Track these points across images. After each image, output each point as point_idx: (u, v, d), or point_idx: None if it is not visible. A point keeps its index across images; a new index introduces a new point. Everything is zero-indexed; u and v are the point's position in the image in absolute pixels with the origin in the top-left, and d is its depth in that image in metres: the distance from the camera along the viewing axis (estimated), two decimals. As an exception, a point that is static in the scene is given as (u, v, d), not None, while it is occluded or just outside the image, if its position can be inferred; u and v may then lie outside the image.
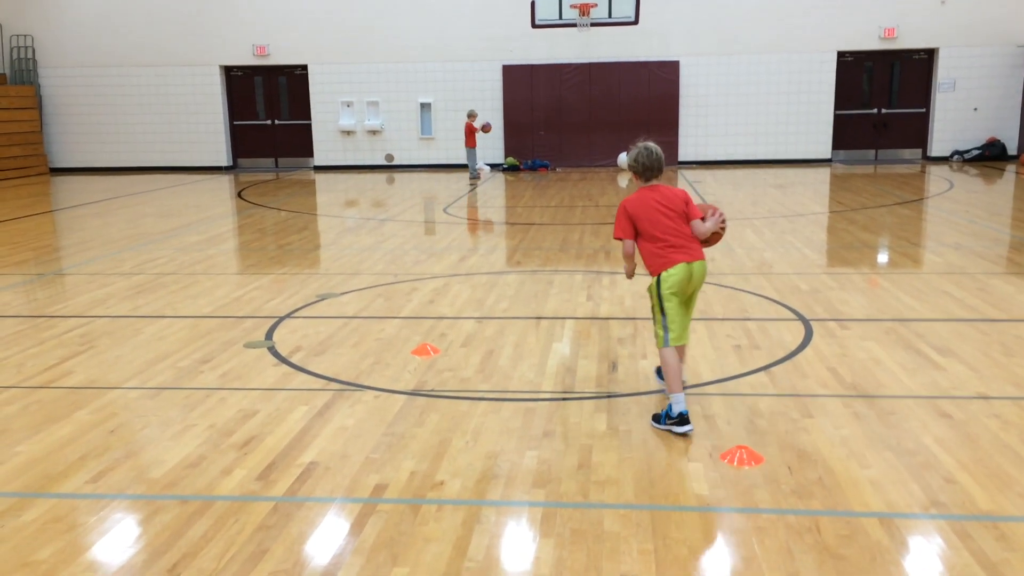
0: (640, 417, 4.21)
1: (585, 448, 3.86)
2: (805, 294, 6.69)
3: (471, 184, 16.26)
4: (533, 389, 4.68)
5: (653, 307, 4.20)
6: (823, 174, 16.93)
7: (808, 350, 5.25)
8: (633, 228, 4.17)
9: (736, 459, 3.68)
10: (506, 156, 19.16)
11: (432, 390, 4.67)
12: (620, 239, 4.21)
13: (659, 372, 4.57)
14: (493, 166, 18.90)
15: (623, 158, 18.51)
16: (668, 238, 4.10)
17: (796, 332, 5.65)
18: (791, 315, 6.10)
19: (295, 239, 10.11)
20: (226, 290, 7.24)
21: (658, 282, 4.12)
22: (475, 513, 3.28)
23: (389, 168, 19.64)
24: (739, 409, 4.30)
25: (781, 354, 5.18)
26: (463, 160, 18.67)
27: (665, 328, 4.11)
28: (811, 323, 5.85)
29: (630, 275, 4.43)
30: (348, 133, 19.73)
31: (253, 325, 6.06)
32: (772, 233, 9.70)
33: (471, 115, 17.21)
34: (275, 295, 7.00)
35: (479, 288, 7.15)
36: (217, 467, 3.73)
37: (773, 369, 4.91)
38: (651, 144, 4.21)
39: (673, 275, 4.09)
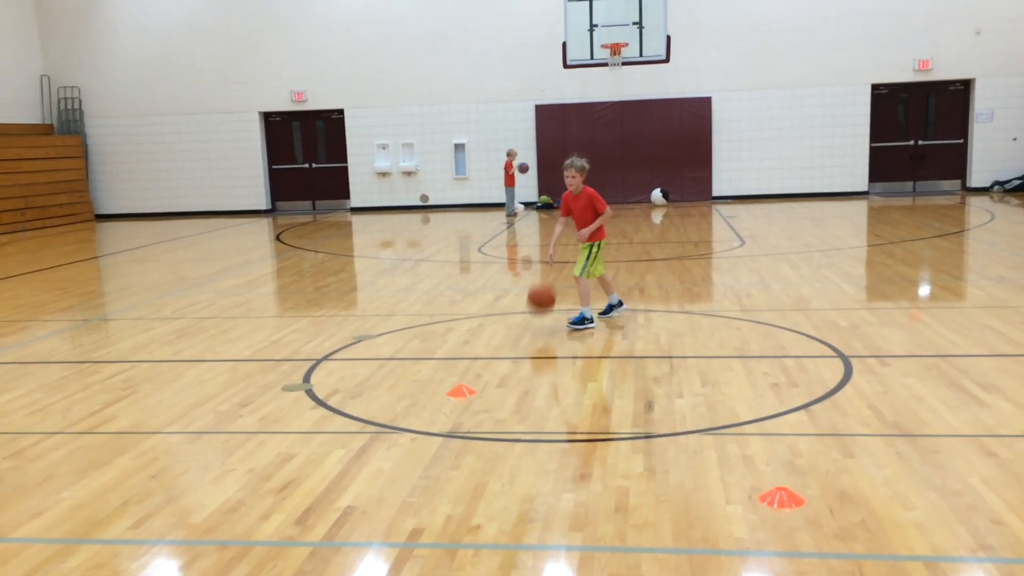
0: (677, 458, 4.17)
1: (622, 490, 3.83)
2: (844, 330, 6.61)
3: (507, 222, 16.37)
4: (569, 430, 4.66)
5: (592, 256, 7.05)
6: (860, 207, 16.77)
7: (848, 388, 5.17)
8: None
9: (776, 501, 3.63)
10: (540, 195, 19.29)
11: (468, 432, 4.68)
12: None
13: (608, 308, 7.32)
14: (527, 204, 19.02)
15: (657, 195, 18.53)
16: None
17: (835, 369, 5.57)
18: (830, 352, 6.02)
19: (332, 281, 10.24)
20: (264, 333, 7.34)
21: (601, 244, 7.15)
22: (512, 558, 3.26)
23: (424, 208, 19.86)
24: (778, 449, 4.24)
25: (820, 392, 5.11)
26: (497, 199, 18.84)
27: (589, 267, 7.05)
28: (851, 360, 5.77)
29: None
30: (384, 175, 20.02)
31: (291, 368, 6.14)
32: (808, 268, 9.61)
33: (510, 154, 17.40)
34: (312, 337, 7.08)
35: (514, 328, 7.17)
36: (256, 512, 3.76)
37: (812, 408, 4.84)
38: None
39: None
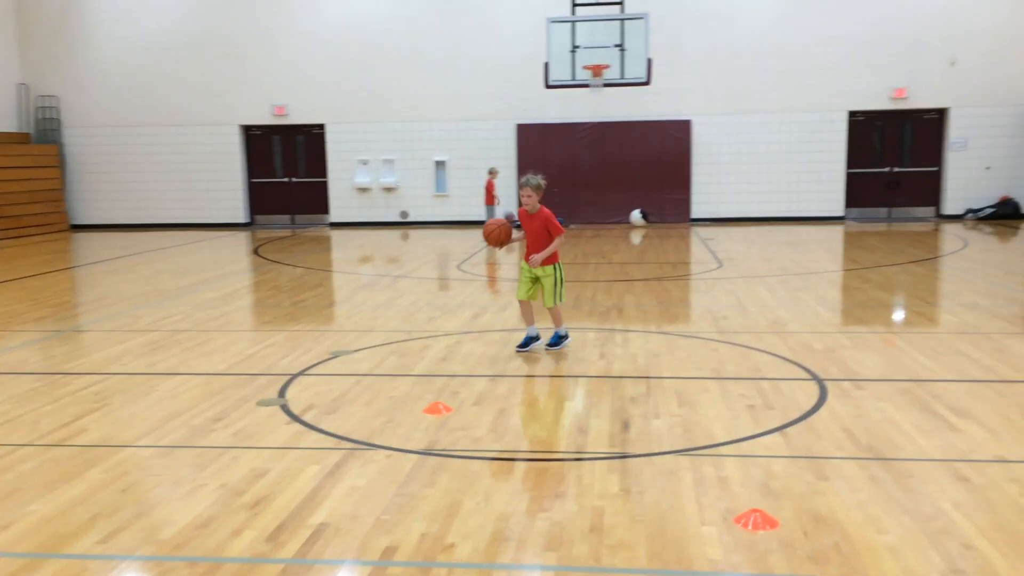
0: (653, 479, 4.17)
1: (597, 510, 3.82)
2: (819, 353, 6.66)
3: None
4: (545, 449, 4.65)
5: (559, 281, 6.80)
6: (836, 232, 16.96)
7: (823, 411, 5.21)
8: None
9: (751, 523, 3.64)
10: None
11: (444, 450, 4.66)
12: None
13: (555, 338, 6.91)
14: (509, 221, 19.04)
15: (636, 215, 18.63)
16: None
17: (810, 392, 5.61)
18: (805, 374, 6.06)
19: (310, 296, 10.19)
20: (240, 347, 7.28)
21: (562, 267, 6.91)
22: (486, 577, 3.24)
23: (404, 225, 19.84)
24: (753, 471, 4.26)
25: (795, 415, 5.14)
26: (477, 217, 18.84)
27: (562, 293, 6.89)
28: (825, 383, 5.81)
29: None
30: (364, 190, 19.99)
31: (267, 382, 6.08)
32: (785, 291, 9.69)
33: (492, 172, 17.43)
34: (289, 352, 7.03)
35: (492, 345, 7.16)
36: (227, 528, 3.71)
37: (787, 430, 4.87)
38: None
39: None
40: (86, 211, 20.53)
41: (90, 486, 4.20)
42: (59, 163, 19.83)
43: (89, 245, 16.84)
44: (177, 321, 8.50)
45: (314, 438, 4.89)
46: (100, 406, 5.58)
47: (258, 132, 20.35)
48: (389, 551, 3.47)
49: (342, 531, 3.67)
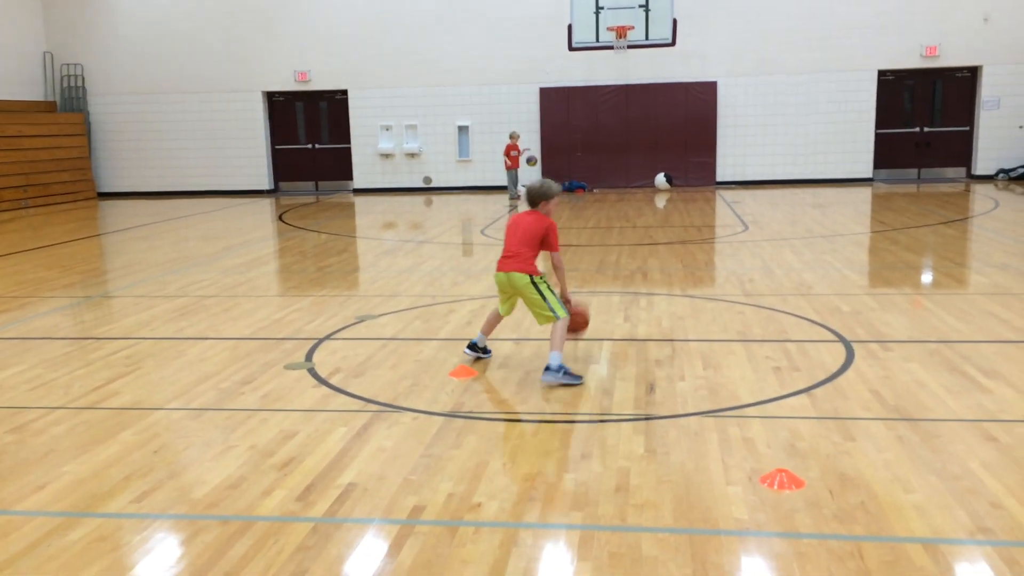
0: (679, 440, 4.18)
1: (623, 471, 3.84)
2: (846, 315, 6.60)
3: (510, 205, 16.35)
4: (571, 411, 4.67)
5: (544, 294, 5.29)
6: (864, 194, 16.72)
7: (850, 372, 5.17)
8: None
9: (776, 483, 3.64)
10: (544, 176, 19.21)
11: (470, 412, 4.69)
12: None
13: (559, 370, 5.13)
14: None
15: (660, 179, 18.48)
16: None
17: (837, 354, 5.57)
18: (832, 336, 6.02)
19: (334, 261, 10.24)
20: (267, 312, 7.35)
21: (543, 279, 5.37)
22: (512, 536, 3.28)
23: (427, 190, 19.82)
24: (779, 432, 4.25)
25: (822, 376, 5.11)
26: (500, 182, 18.78)
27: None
28: (852, 345, 5.77)
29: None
30: (387, 156, 19.97)
31: (293, 347, 6.14)
32: (811, 253, 9.59)
33: (513, 136, 17.33)
34: (315, 317, 7.08)
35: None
36: (258, 488, 3.77)
37: (814, 391, 4.85)
38: (541, 182, 5.60)
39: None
40: (113, 179, 20.70)
41: (123, 447, 4.28)
42: (85, 131, 19.97)
43: (116, 212, 17.00)
44: (204, 287, 8.58)
45: (341, 401, 4.94)
46: (131, 370, 5.67)
47: (281, 98, 20.33)
48: (416, 510, 3.52)
49: (370, 491, 3.71)
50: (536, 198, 5.52)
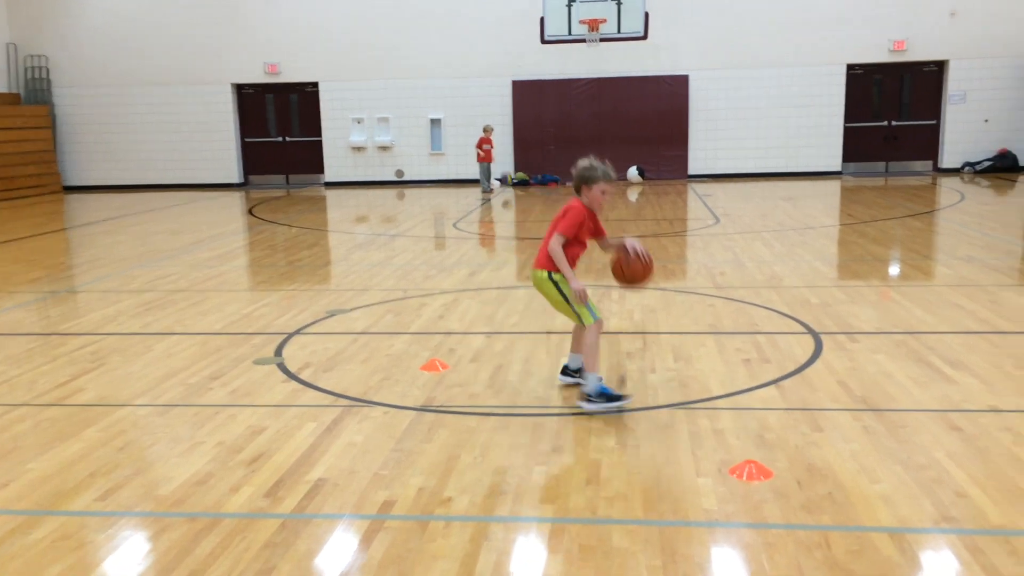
0: (649, 432, 4.19)
1: (594, 463, 3.85)
2: (815, 307, 6.66)
3: (483, 198, 16.31)
4: (542, 404, 4.67)
5: (564, 293, 4.61)
6: (833, 187, 16.89)
7: (818, 363, 5.22)
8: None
9: (745, 474, 3.66)
10: (516, 171, 19.21)
11: (441, 406, 4.67)
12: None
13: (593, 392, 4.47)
14: (503, 181, 18.93)
15: (633, 172, 18.53)
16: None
17: (806, 345, 5.62)
18: (801, 328, 6.07)
19: (305, 255, 10.16)
20: (236, 307, 7.27)
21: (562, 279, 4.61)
22: (483, 529, 3.27)
23: (399, 184, 19.73)
24: (748, 423, 4.28)
25: (791, 368, 5.16)
26: (473, 175, 18.73)
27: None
28: (821, 336, 5.82)
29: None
30: (358, 149, 19.84)
31: (263, 341, 6.08)
32: (782, 246, 9.67)
33: (486, 130, 17.29)
34: (285, 311, 7.02)
35: (489, 303, 7.16)
36: (225, 484, 3.73)
37: (783, 383, 4.89)
38: (586, 162, 4.63)
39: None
40: (79, 172, 20.37)
41: (88, 444, 4.22)
42: (51, 124, 19.63)
43: (82, 206, 16.74)
44: (172, 281, 8.48)
45: (311, 396, 4.90)
46: (96, 366, 5.59)
47: (251, 91, 20.12)
48: (387, 505, 3.50)
49: (340, 486, 3.69)
50: (576, 182, 4.59)
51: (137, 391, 5.05)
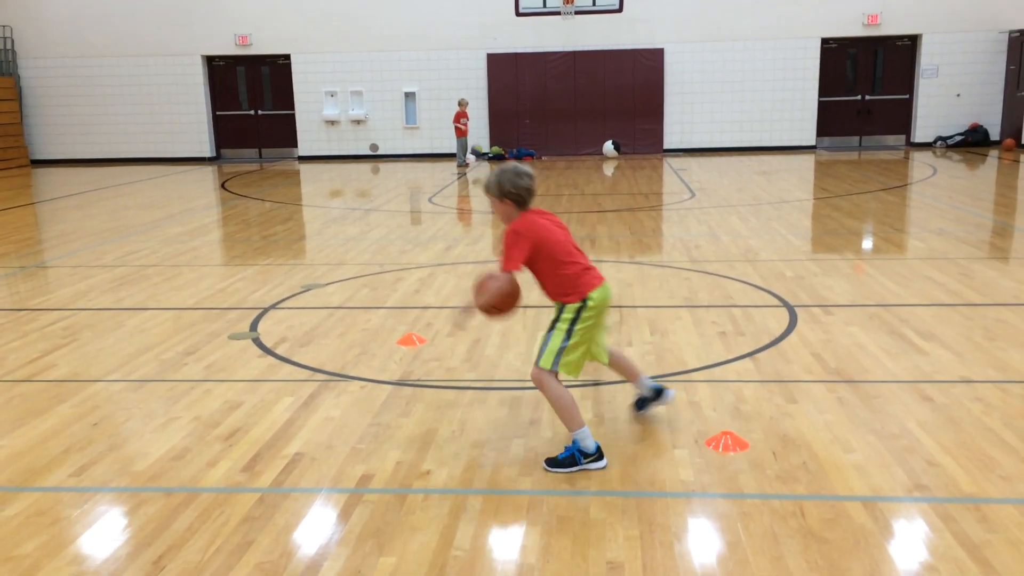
0: (625, 405, 4.22)
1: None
2: (790, 280, 6.72)
3: (458, 172, 16.23)
4: (520, 378, 4.67)
5: (560, 328, 3.60)
6: (808, 161, 16.98)
7: (793, 336, 5.27)
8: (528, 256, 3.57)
9: (721, 445, 3.70)
10: (491, 145, 19.12)
11: (418, 380, 4.67)
12: (512, 270, 3.58)
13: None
14: (478, 155, 18.83)
15: (608, 147, 18.50)
16: (582, 260, 3.72)
17: (781, 318, 5.67)
18: (776, 301, 6.12)
19: (280, 230, 10.06)
20: (210, 281, 7.20)
21: (585, 304, 3.59)
22: (461, 502, 3.28)
23: (374, 158, 19.56)
24: (724, 395, 4.31)
25: (766, 340, 5.20)
26: (448, 149, 18.62)
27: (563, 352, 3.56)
28: (796, 309, 5.87)
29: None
30: (332, 123, 19.62)
31: (238, 316, 6.03)
32: (757, 220, 9.72)
33: (461, 104, 17.17)
34: (260, 286, 6.96)
35: (465, 277, 7.14)
36: (202, 459, 3.71)
37: (758, 355, 4.93)
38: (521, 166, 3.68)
39: (601, 293, 3.65)
40: (46, 146, 19.99)
41: (61, 420, 4.17)
42: (16, 96, 19.21)
43: (50, 180, 16.44)
44: (144, 256, 8.37)
45: (287, 370, 4.87)
46: (68, 341, 5.51)
47: (221, 63, 19.80)
48: (365, 479, 3.50)
49: (318, 460, 3.68)
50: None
51: (110, 367, 4.99)
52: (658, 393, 4.02)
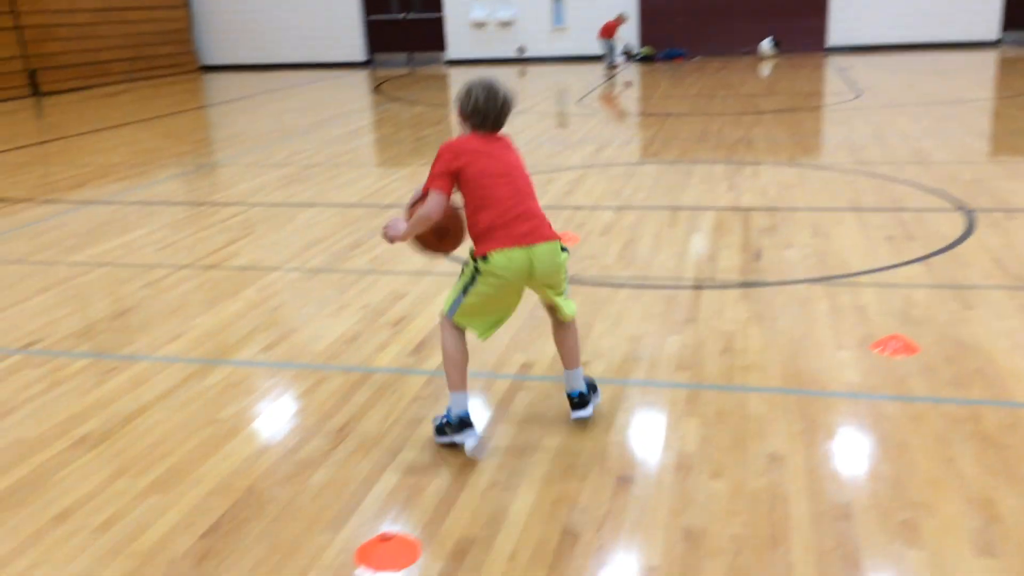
0: (786, 306, 4.14)
1: (728, 334, 3.85)
2: (967, 183, 6.29)
3: (607, 74, 15.89)
4: (674, 277, 4.66)
5: (458, 283, 3.03)
6: (990, 58, 15.54)
7: (970, 241, 4.97)
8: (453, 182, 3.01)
9: (890, 348, 3.59)
10: (641, 45, 18.53)
11: (573, 276, 4.72)
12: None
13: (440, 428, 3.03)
14: (628, 56, 18.31)
15: (766, 45, 17.56)
16: (511, 209, 3.08)
17: (956, 223, 5.35)
18: (950, 205, 5.76)
19: (431, 132, 10.25)
20: (370, 180, 7.48)
21: (477, 266, 2.94)
22: (619, 392, 3.36)
23: (521, 61, 19.40)
24: (892, 300, 4.15)
25: (939, 245, 4.93)
26: (597, 51, 18.21)
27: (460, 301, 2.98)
28: (974, 213, 5.51)
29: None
30: (480, 25, 19.52)
31: (397, 214, 6.25)
32: (930, 120, 9.07)
33: (620, 18, 16.69)
34: (415, 185, 7.16)
35: (616, 179, 7.09)
36: (373, 343, 3.95)
37: (931, 260, 4.69)
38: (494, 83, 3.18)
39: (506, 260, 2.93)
40: (212, 52, 20.97)
41: (246, 304, 4.52)
42: (185, 3, 20.14)
43: (217, 85, 17.30)
44: (309, 156, 8.76)
45: (447, 265, 5.04)
46: (247, 233, 5.91)
47: (373, -34, 19.96)
48: (525, 367, 3.63)
49: (480, 347, 3.83)
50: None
51: (285, 257, 5.33)
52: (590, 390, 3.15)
